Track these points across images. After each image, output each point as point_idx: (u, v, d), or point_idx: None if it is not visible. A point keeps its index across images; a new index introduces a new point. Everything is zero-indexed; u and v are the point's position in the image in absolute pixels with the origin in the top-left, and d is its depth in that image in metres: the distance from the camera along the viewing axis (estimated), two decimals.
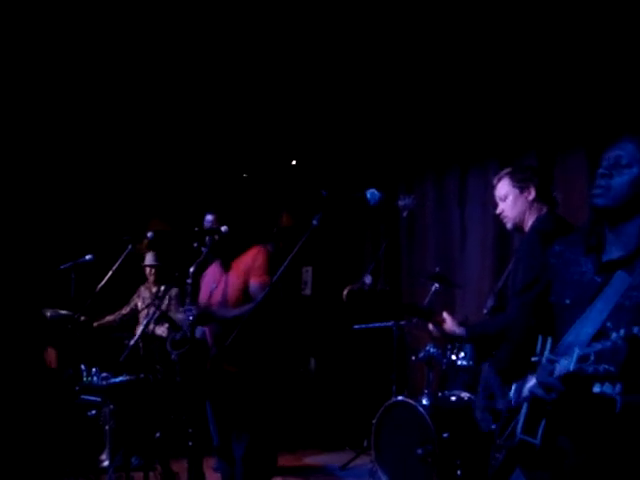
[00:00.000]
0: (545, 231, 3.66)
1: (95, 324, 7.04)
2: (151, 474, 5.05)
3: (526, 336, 2.65)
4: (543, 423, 2.41)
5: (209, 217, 4.51)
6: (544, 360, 2.41)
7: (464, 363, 5.26)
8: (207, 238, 4.39)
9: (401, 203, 6.82)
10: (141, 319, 7.06)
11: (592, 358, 2.13)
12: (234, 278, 4.35)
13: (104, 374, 5.24)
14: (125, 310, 7.33)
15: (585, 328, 2.35)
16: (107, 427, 5.66)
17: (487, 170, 6.66)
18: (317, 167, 8.25)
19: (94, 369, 5.25)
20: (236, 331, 3.53)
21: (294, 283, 8.36)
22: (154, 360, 5.78)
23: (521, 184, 3.89)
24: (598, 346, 2.14)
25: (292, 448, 7.10)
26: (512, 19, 5.51)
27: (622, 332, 2.08)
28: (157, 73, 6.68)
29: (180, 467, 5.16)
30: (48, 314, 6.70)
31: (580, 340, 2.30)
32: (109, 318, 7.26)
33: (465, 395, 5.24)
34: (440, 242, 7.35)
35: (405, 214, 7.03)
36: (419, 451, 5.00)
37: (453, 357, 5.33)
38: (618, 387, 2.10)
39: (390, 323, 6.17)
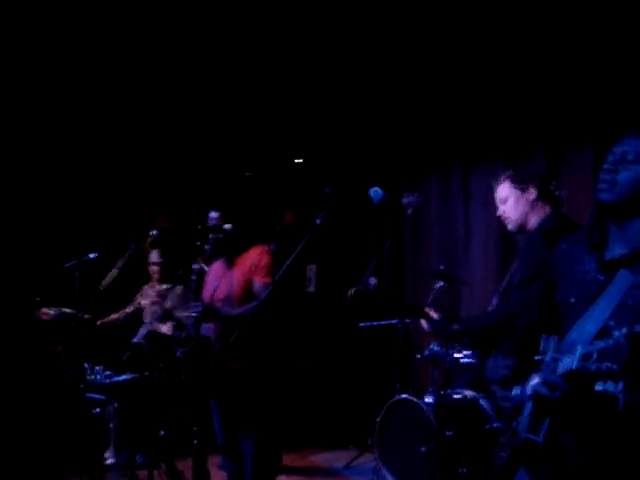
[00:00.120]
0: (549, 231, 3.66)
1: (99, 322, 7.04)
2: (155, 472, 5.07)
3: (532, 334, 2.65)
4: (547, 422, 2.41)
5: (213, 215, 4.52)
6: (548, 358, 2.41)
7: (468, 361, 5.26)
8: (211, 236, 4.39)
9: (405, 201, 6.81)
10: (145, 317, 7.06)
11: (595, 356, 2.14)
12: (238, 275, 4.35)
13: (108, 372, 5.24)
14: (129, 309, 7.32)
15: (588, 326, 2.35)
16: (111, 425, 5.67)
17: (492, 168, 6.64)
18: (321, 165, 8.25)
19: (98, 367, 5.26)
20: (239, 329, 3.53)
21: (298, 280, 8.35)
22: (158, 358, 5.78)
23: (522, 185, 3.89)
24: (601, 344, 2.14)
25: (296, 446, 7.10)
26: (516, 17, 5.50)
27: (624, 330, 2.09)
28: (161, 72, 6.68)
29: (185, 465, 5.17)
30: (52, 312, 6.72)
31: (583, 338, 2.30)
32: (113, 316, 7.25)
33: (469, 393, 5.23)
34: (444, 240, 7.34)
35: (409, 212, 7.01)
36: (423, 449, 4.99)
37: (457, 355, 5.32)
38: (620, 385, 2.10)
39: (395, 321, 6.16)
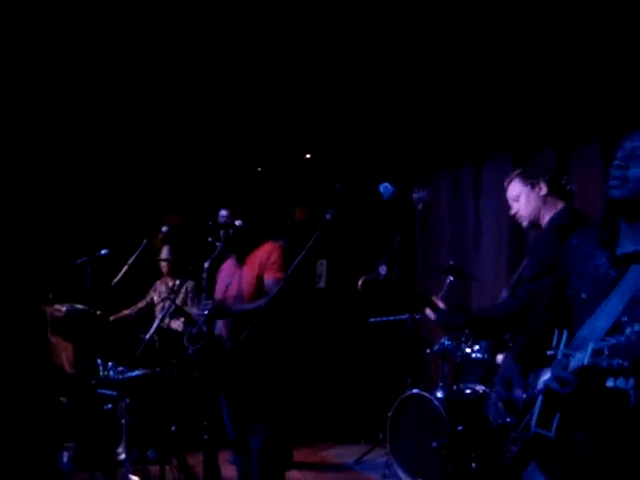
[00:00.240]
0: (563, 226, 3.65)
1: (111, 318, 7.08)
2: (167, 467, 5.08)
3: (543, 329, 2.65)
4: (558, 416, 2.41)
5: (223, 212, 4.53)
6: (559, 354, 2.42)
7: (479, 356, 5.26)
8: (221, 233, 4.41)
9: (416, 196, 6.80)
10: (157, 313, 7.10)
11: (606, 352, 2.13)
12: (248, 272, 4.36)
13: (120, 368, 5.26)
14: (141, 304, 7.37)
15: (600, 322, 2.34)
16: (123, 421, 5.69)
17: (502, 163, 6.63)
18: (331, 161, 8.25)
19: (110, 363, 5.28)
20: (251, 325, 3.54)
21: (309, 276, 8.36)
22: (170, 354, 5.80)
23: (532, 181, 3.88)
24: (612, 341, 2.13)
25: (307, 441, 7.12)
26: (525, 13, 5.48)
27: (636, 327, 2.08)
28: (174, 70, 6.69)
29: (196, 460, 5.18)
30: (64, 308, 6.76)
31: (595, 334, 2.30)
32: (125, 312, 7.30)
33: (480, 388, 5.24)
34: (455, 235, 7.33)
35: (420, 207, 7.01)
36: (434, 444, 5.01)
37: (468, 350, 5.33)
38: (632, 381, 2.09)
39: (405, 316, 6.17)
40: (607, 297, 2.38)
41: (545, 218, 3.86)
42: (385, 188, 3.47)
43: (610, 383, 2.14)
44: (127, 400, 5.55)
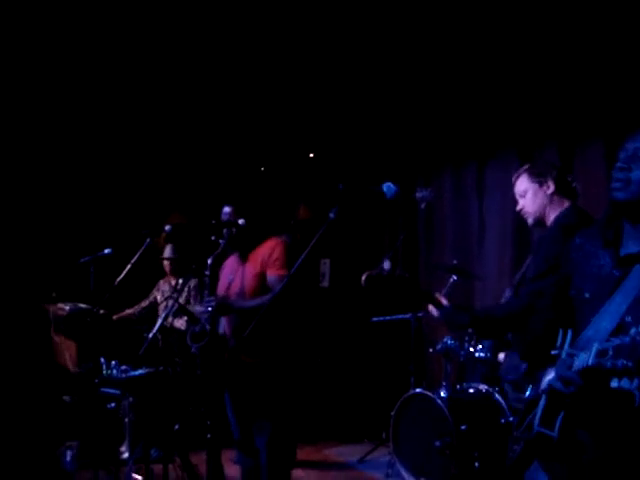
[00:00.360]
0: (569, 225, 3.65)
1: (115, 317, 7.09)
2: (170, 466, 5.08)
3: (546, 329, 2.65)
4: (561, 416, 2.41)
5: (227, 210, 4.52)
6: (563, 354, 2.42)
7: (482, 355, 5.25)
8: (225, 231, 4.40)
9: (419, 195, 6.80)
10: (160, 312, 7.10)
11: (610, 353, 2.13)
12: (251, 270, 4.36)
13: (123, 367, 5.26)
14: (144, 303, 7.37)
15: (604, 322, 2.34)
16: (126, 420, 5.70)
17: (505, 161, 6.63)
18: (334, 160, 8.24)
19: (114, 362, 5.28)
20: (254, 322, 3.54)
21: (312, 275, 8.37)
22: (173, 353, 5.81)
23: (539, 178, 3.87)
24: (617, 341, 2.13)
25: (311, 440, 7.12)
26: (528, 12, 5.48)
27: None
28: (177, 69, 6.69)
29: (199, 459, 5.18)
30: (68, 307, 6.76)
31: (599, 335, 2.29)
32: (128, 311, 7.30)
33: (483, 387, 5.23)
34: (458, 234, 7.32)
35: (423, 206, 7.01)
36: (437, 443, 5.00)
37: (471, 349, 5.32)
38: (636, 382, 2.09)
39: (408, 315, 6.17)
40: (611, 297, 2.38)
41: (551, 216, 3.85)
42: (388, 187, 3.46)
43: (614, 384, 2.13)
44: (130, 399, 5.56)
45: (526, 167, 3.99)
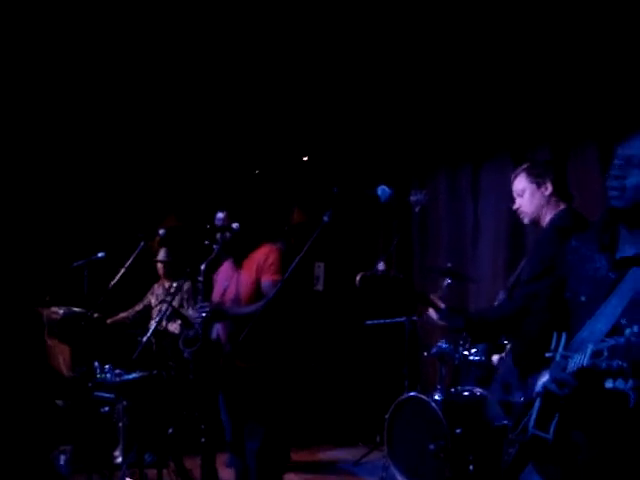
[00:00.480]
0: (563, 227, 3.65)
1: (109, 321, 7.07)
2: (164, 471, 5.07)
3: (540, 331, 2.65)
4: (556, 418, 2.41)
5: (220, 214, 4.52)
6: (558, 356, 2.42)
7: (476, 358, 5.25)
8: (218, 235, 4.40)
9: (413, 198, 6.80)
10: (153, 316, 7.09)
11: (605, 354, 2.14)
12: (246, 275, 4.35)
13: (117, 371, 5.25)
14: (139, 307, 7.35)
15: (599, 325, 2.34)
16: (120, 424, 5.69)
17: (500, 165, 6.64)
18: (329, 163, 8.24)
19: (107, 366, 5.27)
20: (248, 327, 3.54)
21: (306, 279, 8.36)
22: (167, 357, 5.79)
23: (538, 179, 3.88)
24: (611, 342, 2.13)
25: (305, 444, 7.11)
26: (522, 15, 5.49)
27: (636, 329, 2.08)
28: (172, 72, 6.69)
29: (193, 464, 5.17)
30: (61, 311, 6.74)
31: (594, 336, 2.30)
32: (123, 315, 7.28)
33: (478, 390, 5.23)
34: (453, 237, 7.33)
35: (417, 209, 7.01)
36: (432, 446, 5.00)
37: (465, 352, 5.32)
38: (630, 383, 2.09)
39: (402, 319, 6.17)
40: (606, 299, 2.38)
41: (546, 218, 3.86)
42: (382, 191, 3.47)
43: (609, 384, 2.14)
44: (124, 403, 5.55)
45: (525, 166, 3.99)
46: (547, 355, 2.47)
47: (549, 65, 5.93)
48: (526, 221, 3.97)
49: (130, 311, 7.33)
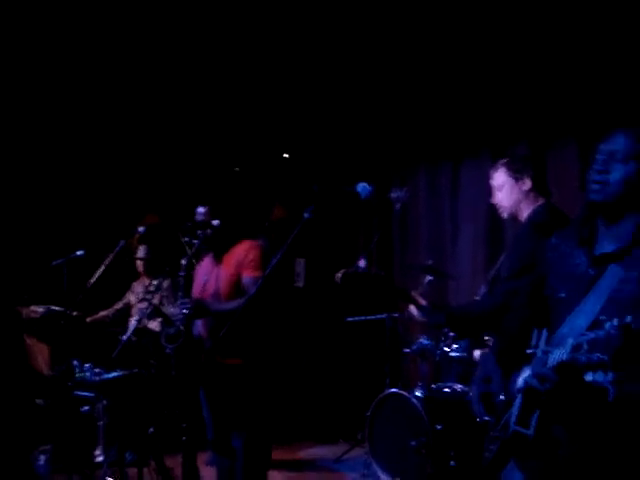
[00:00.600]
0: (540, 222, 3.68)
1: (88, 319, 7.03)
2: (145, 469, 5.05)
3: (521, 328, 2.66)
4: (536, 414, 2.42)
5: (201, 210, 4.50)
6: (539, 352, 2.42)
7: (457, 354, 5.27)
8: (199, 232, 4.38)
9: (393, 196, 6.81)
10: (133, 313, 7.05)
11: (585, 347, 2.15)
12: (226, 271, 4.34)
13: (97, 369, 5.22)
14: (119, 305, 7.32)
15: (579, 321, 2.36)
16: (101, 423, 5.64)
17: (480, 162, 6.66)
18: (309, 160, 8.24)
19: (87, 365, 5.24)
20: (229, 323, 3.53)
21: (287, 275, 8.35)
22: (147, 355, 5.77)
23: (516, 174, 3.90)
24: (591, 335, 2.15)
25: (286, 441, 7.10)
26: (501, 12, 5.51)
27: (615, 321, 2.09)
28: (148, 68, 6.66)
29: (174, 462, 5.15)
30: (40, 310, 6.69)
31: (574, 332, 2.31)
32: (103, 313, 7.25)
33: (459, 387, 5.25)
34: (433, 234, 7.35)
35: (398, 207, 7.02)
36: (413, 443, 5.01)
37: (446, 349, 5.33)
38: (610, 375, 2.11)
39: (383, 315, 6.17)
40: (586, 296, 2.40)
41: (524, 212, 3.88)
42: (363, 188, 3.47)
43: (589, 377, 2.15)
44: (104, 402, 5.51)
45: (505, 161, 4.00)
46: (528, 351, 2.48)
47: (529, 63, 5.96)
48: (505, 215, 3.99)
49: (110, 309, 7.29)
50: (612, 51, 5.35)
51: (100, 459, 5.62)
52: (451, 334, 5.29)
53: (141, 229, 4.92)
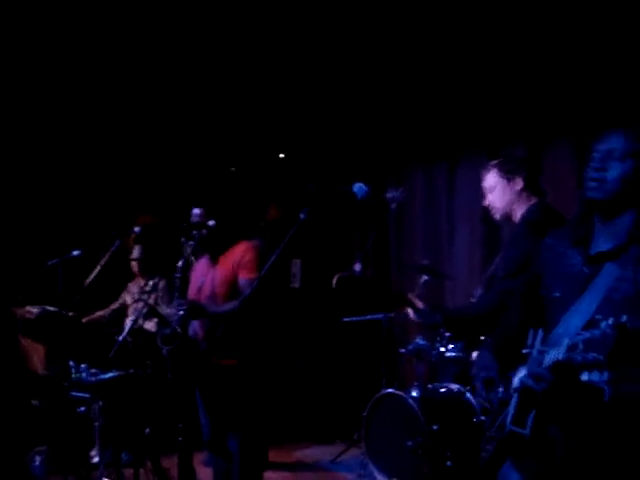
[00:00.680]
0: (534, 221, 3.68)
1: (84, 320, 7.01)
2: (141, 470, 5.04)
3: (517, 328, 2.66)
4: (532, 414, 2.42)
5: (196, 211, 4.51)
6: (534, 352, 2.43)
7: (454, 355, 5.27)
8: (195, 233, 4.37)
9: (389, 196, 6.81)
10: (129, 314, 7.04)
11: (581, 347, 2.15)
12: (222, 272, 4.33)
13: (93, 370, 5.21)
14: (115, 305, 7.30)
15: (574, 320, 2.36)
16: (97, 423, 5.64)
17: (476, 162, 6.63)
18: (305, 160, 8.24)
19: (83, 365, 5.23)
20: (224, 324, 3.53)
21: (283, 276, 8.35)
22: (144, 355, 5.76)
23: (508, 175, 3.90)
24: (587, 335, 2.15)
25: (282, 441, 7.09)
26: (497, 12, 5.51)
27: (611, 321, 2.10)
28: (144, 68, 6.65)
29: (170, 463, 5.15)
30: (36, 310, 6.68)
31: (570, 332, 2.31)
32: (99, 314, 7.23)
33: (455, 387, 5.24)
34: (429, 234, 7.35)
35: (394, 207, 7.02)
36: (409, 443, 5.00)
37: (442, 349, 5.33)
38: (606, 375, 2.11)
39: (379, 315, 6.16)
40: (581, 295, 2.40)
41: (517, 213, 3.88)
42: (359, 188, 3.47)
43: (584, 377, 2.15)
44: (100, 402, 5.50)
45: (496, 162, 4.01)
46: (524, 351, 2.48)
47: (525, 64, 5.96)
48: (497, 217, 3.99)
49: (106, 310, 7.27)
50: (607, 52, 5.36)
51: (96, 460, 5.62)
52: (447, 334, 5.28)
53: (137, 229, 4.91)
